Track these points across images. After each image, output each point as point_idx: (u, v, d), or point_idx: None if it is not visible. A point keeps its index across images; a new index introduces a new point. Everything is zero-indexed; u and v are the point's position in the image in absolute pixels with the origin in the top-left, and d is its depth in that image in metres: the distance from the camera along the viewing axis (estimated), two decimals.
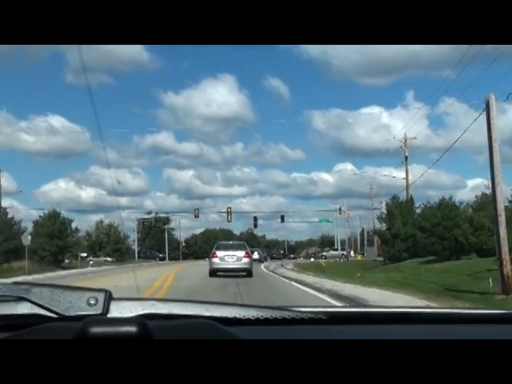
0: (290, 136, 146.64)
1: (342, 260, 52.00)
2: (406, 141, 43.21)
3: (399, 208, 38.31)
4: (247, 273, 21.55)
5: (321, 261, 45.00)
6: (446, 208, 31.58)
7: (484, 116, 13.87)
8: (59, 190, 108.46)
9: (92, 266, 51.01)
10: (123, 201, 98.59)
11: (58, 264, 46.63)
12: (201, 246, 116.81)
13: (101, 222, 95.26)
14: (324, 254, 69.87)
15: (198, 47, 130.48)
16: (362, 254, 59.06)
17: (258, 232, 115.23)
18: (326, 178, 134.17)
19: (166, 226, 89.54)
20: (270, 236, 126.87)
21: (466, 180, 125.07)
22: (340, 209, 59.39)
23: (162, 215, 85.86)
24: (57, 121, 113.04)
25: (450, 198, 36.84)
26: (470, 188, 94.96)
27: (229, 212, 61.37)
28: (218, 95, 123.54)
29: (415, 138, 43.79)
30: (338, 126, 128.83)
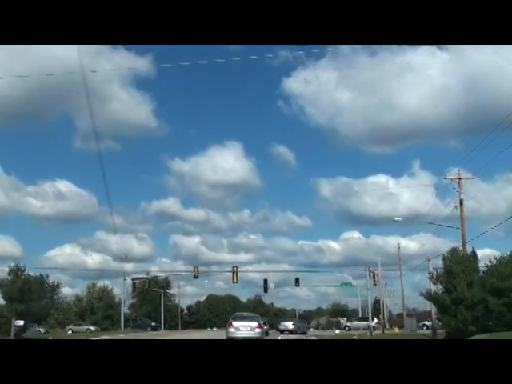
0: (296, 203, 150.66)
1: (373, 333, 41.78)
2: (460, 181, 34.07)
3: (462, 265, 28.58)
4: None
5: (350, 332, 34.78)
6: None
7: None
8: (65, 255, 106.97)
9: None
10: (128, 267, 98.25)
11: (18, 335, 36.83)
12: (203, 314, 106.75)
13: (93, 285, 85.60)
14: (348, 324, 59.19)
15: (205, 115, 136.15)
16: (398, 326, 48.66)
17: (265, 299, 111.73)
18: (333, 246, 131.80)
19: (162, 290, 79.15)
20: (277, 304, 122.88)
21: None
22: (368, 269, 49.50)
23: (160, 275, 75.52)
24: (64, 186, 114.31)
25: None
26: (479, 258, 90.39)
27: (234, 272, 51.66)
28: (225, 162, 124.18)
29: (472, 177, 34.69)
30: (345, 194, 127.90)
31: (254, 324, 25.30)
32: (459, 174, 34.17)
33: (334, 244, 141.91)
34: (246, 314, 31.51)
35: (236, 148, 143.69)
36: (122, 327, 56.77)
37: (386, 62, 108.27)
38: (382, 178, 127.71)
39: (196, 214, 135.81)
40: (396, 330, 45.01)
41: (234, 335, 24.47)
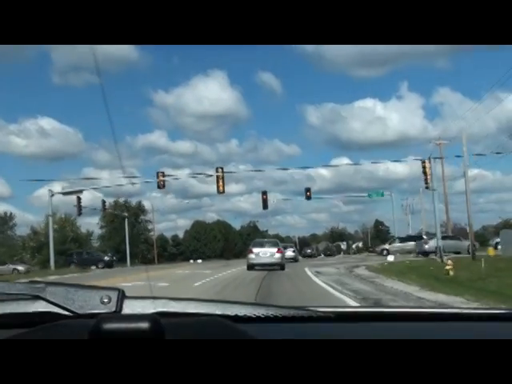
0: (284, 131, 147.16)
1: (444, 258, 25.69)
2: None
3: None
4: (280, 267, 25.37)
5: (447, 263, 18.39)
6: None
7: None
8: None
9: None
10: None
11: None
12: (189, 244, 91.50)
13: (54, 215, 70.19)
14: (386, 247, 43.32)
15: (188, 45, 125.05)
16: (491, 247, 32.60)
17: (260, 226, 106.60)
18: (323, 173, 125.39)
19: (126, 215, 62.52)
20: (271, 232, 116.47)
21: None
22: (429, 158, 32.67)
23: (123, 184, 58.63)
24: (47, 123, 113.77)
25: None
26: None
27: (219, 177, 34.80)
28: (210, 92, 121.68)
29: None
30: (333, 120, 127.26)
31: (274, 249, 26.07)
32: None
33: (323, 171, 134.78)
34: (265, 239, 32.57)
35: (220, 77, 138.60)
36: (53, 265, 40.06)
37: None
38: (369, 102, 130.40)
39: (184, 146, 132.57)
40: (490, 251, 28.94)
41: (255, 261, 25.65)
